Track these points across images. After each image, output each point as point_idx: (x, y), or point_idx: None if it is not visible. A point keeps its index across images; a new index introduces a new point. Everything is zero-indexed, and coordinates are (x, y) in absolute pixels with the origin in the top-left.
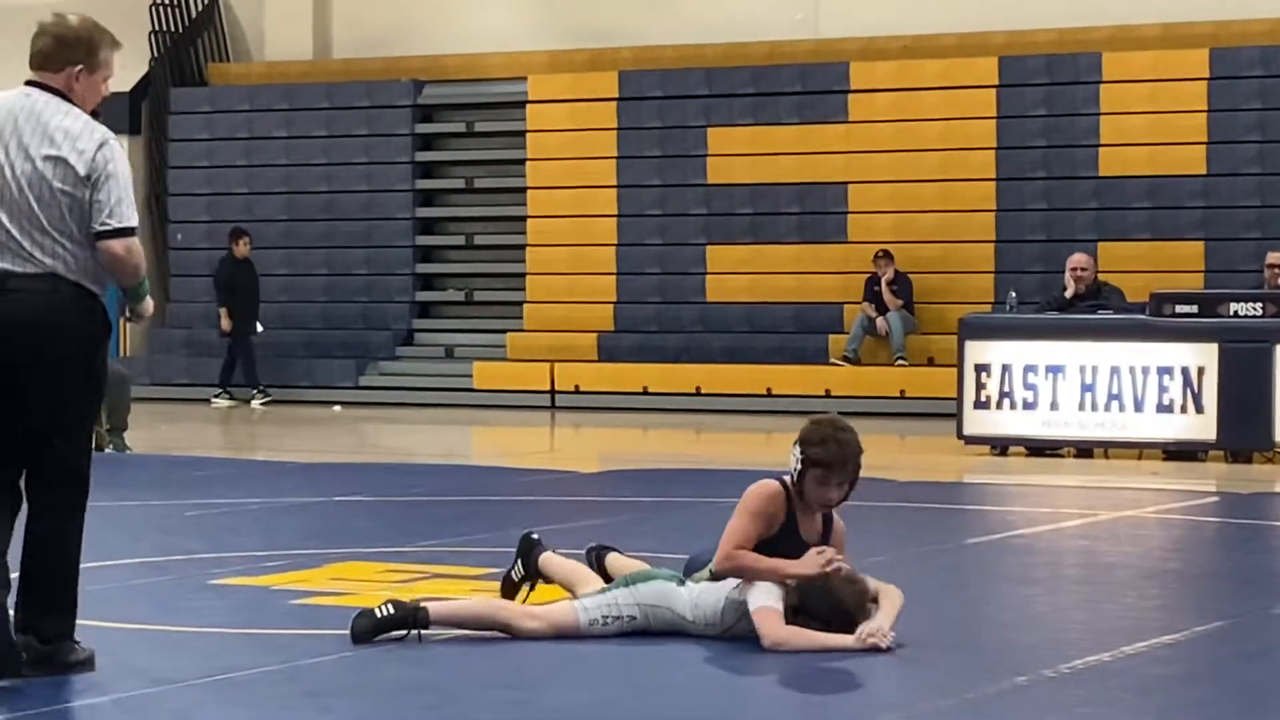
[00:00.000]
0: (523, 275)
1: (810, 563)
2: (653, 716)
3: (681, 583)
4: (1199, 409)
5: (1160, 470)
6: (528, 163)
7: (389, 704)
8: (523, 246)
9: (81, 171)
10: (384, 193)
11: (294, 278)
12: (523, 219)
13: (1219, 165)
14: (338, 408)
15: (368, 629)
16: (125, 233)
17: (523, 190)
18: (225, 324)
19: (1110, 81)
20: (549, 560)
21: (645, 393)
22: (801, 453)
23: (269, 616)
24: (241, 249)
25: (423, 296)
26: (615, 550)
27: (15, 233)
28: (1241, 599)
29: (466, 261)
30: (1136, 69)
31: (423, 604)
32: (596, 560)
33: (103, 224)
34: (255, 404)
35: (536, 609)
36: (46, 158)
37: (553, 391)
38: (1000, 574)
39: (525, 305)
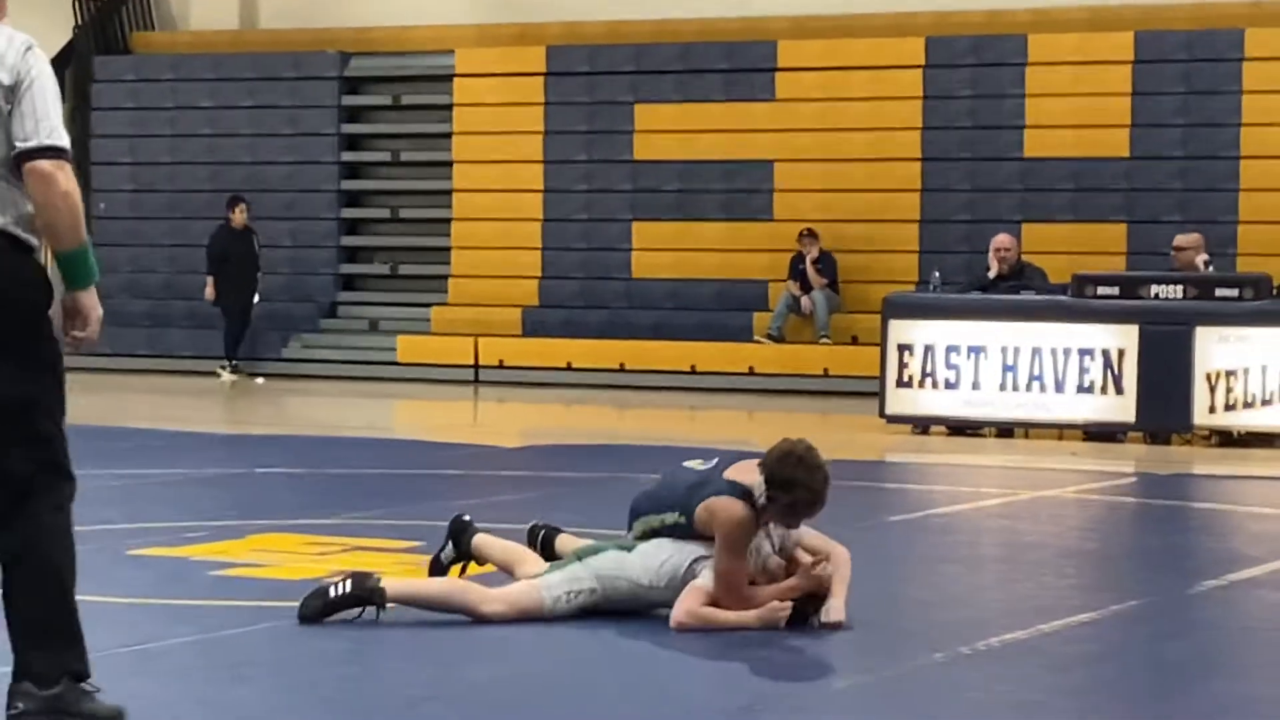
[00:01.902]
0: (448, 249)
1: (770, 616)
2: (570, 688)
3: (630, 550)
4: (1119, 390)
5: (1080, 451)
6: (454, 136)
7: (310, 677)
8: (448, 220)
9: (6, 81)
10: (309, 165)
11: None
12: (448, 193)
13: (1142, 148)
14: (260, 379)
15: (319, 610)
16: (57, 152)
17: (449, 164)
18: (210, 292)
19: (1035, 64)
20: (485, 541)
21: (569, 368)
22: (787, 493)
23: (189, 588)
24: (238, 217)
25: (347, 269)
26: (562, 531)
27: None
28: (1158, 579)
29: (391, 235)
30: (1062, 51)
31: (381, 583)
32: (543, 541)
33: (27, 140)
34: (224, 376)
35: (497, 592)
36: None
37: (476, 366)
38: (920, 552)
39: (450, 279)
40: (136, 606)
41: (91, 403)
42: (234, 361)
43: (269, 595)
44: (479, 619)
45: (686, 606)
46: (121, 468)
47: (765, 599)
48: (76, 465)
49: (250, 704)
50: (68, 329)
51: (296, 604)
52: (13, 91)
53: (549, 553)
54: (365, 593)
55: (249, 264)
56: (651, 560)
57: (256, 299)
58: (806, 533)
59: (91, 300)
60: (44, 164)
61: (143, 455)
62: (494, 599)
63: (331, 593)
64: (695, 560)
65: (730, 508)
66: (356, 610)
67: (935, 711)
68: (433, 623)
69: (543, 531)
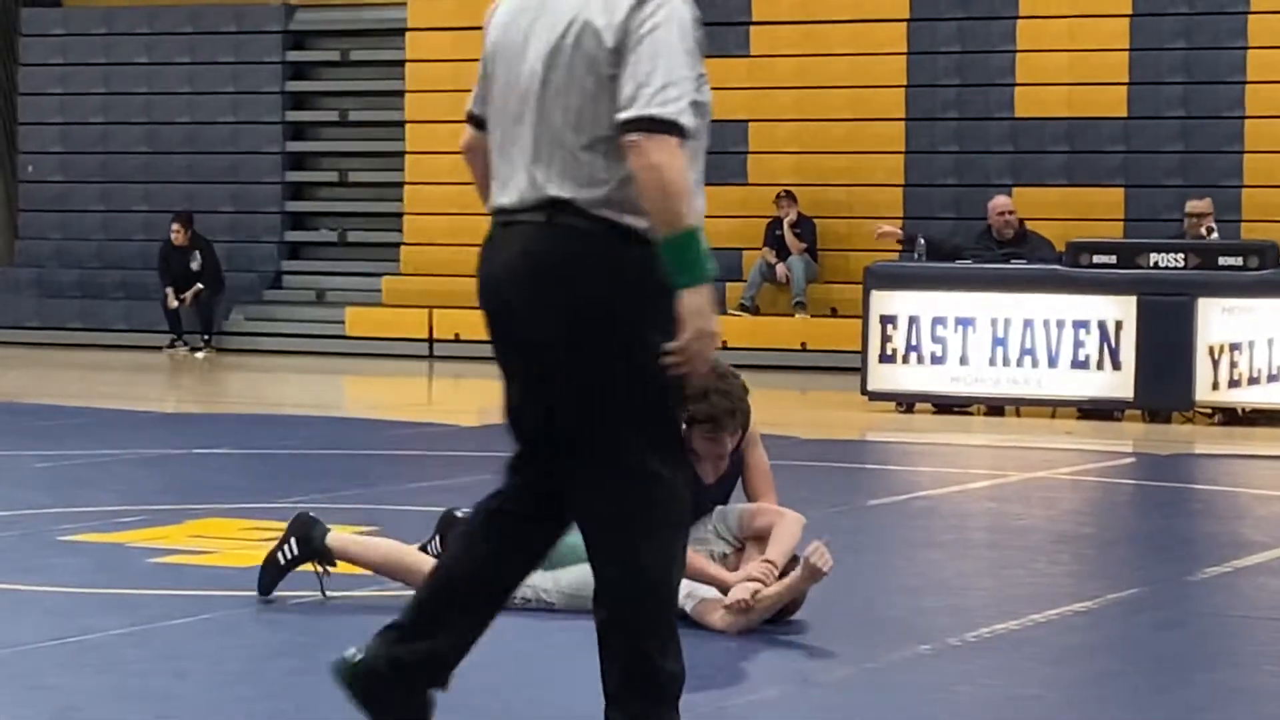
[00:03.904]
0: (400, 215)
1: (743, 589)
2: (531, 680)
3: None
4: (1116, 365)
5: (1075, 430)
6: (407, 95)
7: (251, 669)
8: (400, 184)
9: (610, 42)
10: (251, 125)
11: (153, 215)
12: (400, 155)
13: (1141, 108)
14: (200, 353)
15: (274, 581)
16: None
17: (401, 124)
18: (172, 302)
19: (1027, 17)
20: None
21: None
22: (702, 403)
23: (124, 575)
24: (177, 236)
25: (292, 236)
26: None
27: None
28: (1157, 565)
29: (340, 200)
30: (1055, 4)
31: (328, 538)
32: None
33: (626, 109)
34: (181, 351)
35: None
36: None
37: (431, 340)
38: (904, 538)
39: (402, 247)
40: (68, 595)
41: (19, 379)
42: (205, 336)
43: (209, 584)
44: (411, 574)
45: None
46: (50, 448)
47: (709, 575)
48: (1, 443)
49: (190, 698)
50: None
51: (238, 593)
52: (618, 54)
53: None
54: (312, 552)
55: (194, 279)
56: None
57: (199, 286)
58: (756, 510)
59: (691, 304)
60: (634, 136)
61: (73, 434)
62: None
63: (281, 559)
64: None
65: None
66: (308, 567)
67: (921, 707)
68: (381, 613)
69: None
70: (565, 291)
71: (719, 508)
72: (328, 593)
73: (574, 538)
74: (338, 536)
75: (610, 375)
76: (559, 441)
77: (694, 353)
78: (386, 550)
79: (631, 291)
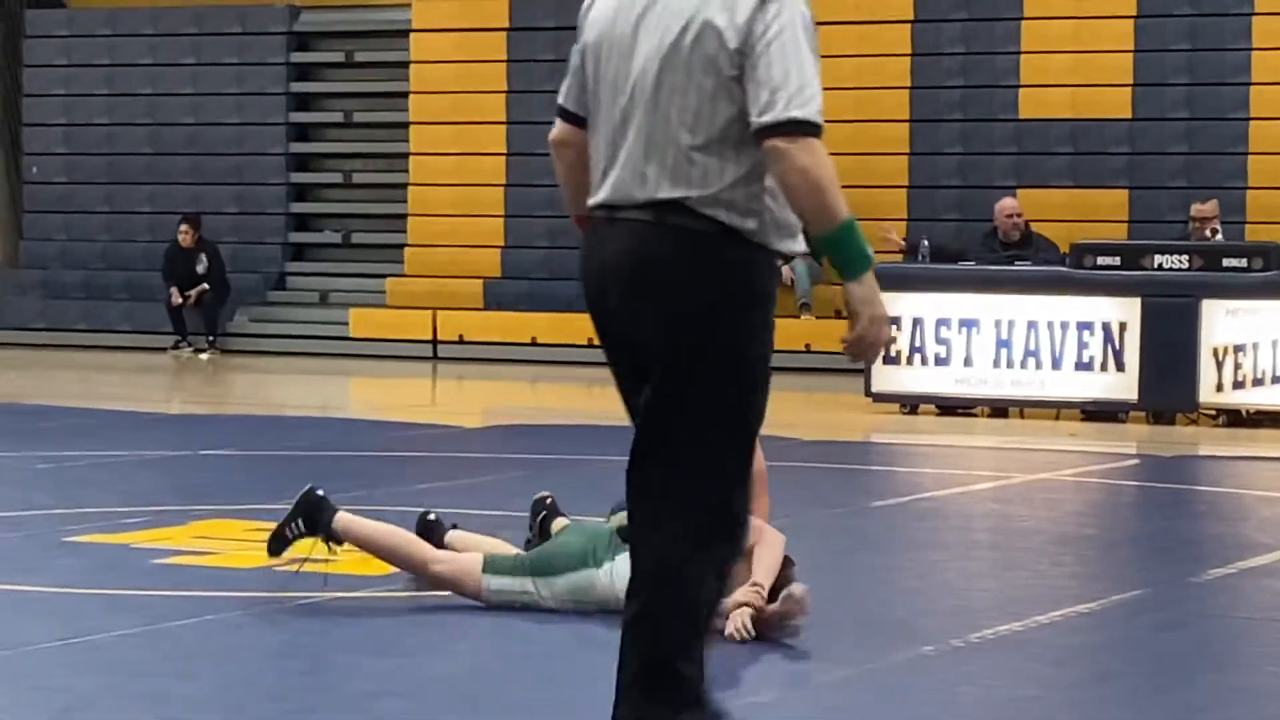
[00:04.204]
0: (404, 216)
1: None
2: (532, 681)
3: (598, 561)
4: (1120, 367)
5: (1078, 431)
6: (411, 96)
7: (256, 670)
8: (405, 186)
9: (733, 43)
10: (256, 126)
11: (158, 216)
12: (405, 156)
13: (1145, 109)
14: (204, 355)
15: (282, 549)
16: (796, 126)
17: (405, 125)
18: (176, 299)
19: (1031, 18)
20: (460, 539)
21: (534, 343)
22: None
23: (128, 576)
24: (184, 237)
25: (296, 238)
26: (563, 517)
27: None
28: (1160, 567)
29: (344, 201)
30: (1059, 5)
31: (335, 522)
32: (541, 524)
33: (763, 113)
34: (185, 352)
35: (447, 555)
36: None
37: (435, 341)
38: (908, 539)
39: (406, 249)
40: (73, 596)
41: (23, 380)
42: (210, 338)
43: (213, 585)
44: (422, 575)
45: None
46: (54, 449)
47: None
48: (4, 445)
49: (194, 700)
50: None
51: (243, 594)
52: (742, 56)
53: (547, 532)
54: (320, 532)
55: (199, 281)
56: (622, 580)
57: (204, 286)
58: None
59: (859, 294)
60: (776, 141)
61: (77, 435)
62: (443, 560)
63: (288, 534)
64: None
65: None
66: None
67: (924, 708)
68: (385, 614)
69: (545, 513)
70: (669, 292)
71: None
72: (331, 593)
73: (566, 546)
74: (345, 518)
75: (702, 380)
76: (642, 438)
77: (870, 341)
78: (391, 537)
79: (736, 295)
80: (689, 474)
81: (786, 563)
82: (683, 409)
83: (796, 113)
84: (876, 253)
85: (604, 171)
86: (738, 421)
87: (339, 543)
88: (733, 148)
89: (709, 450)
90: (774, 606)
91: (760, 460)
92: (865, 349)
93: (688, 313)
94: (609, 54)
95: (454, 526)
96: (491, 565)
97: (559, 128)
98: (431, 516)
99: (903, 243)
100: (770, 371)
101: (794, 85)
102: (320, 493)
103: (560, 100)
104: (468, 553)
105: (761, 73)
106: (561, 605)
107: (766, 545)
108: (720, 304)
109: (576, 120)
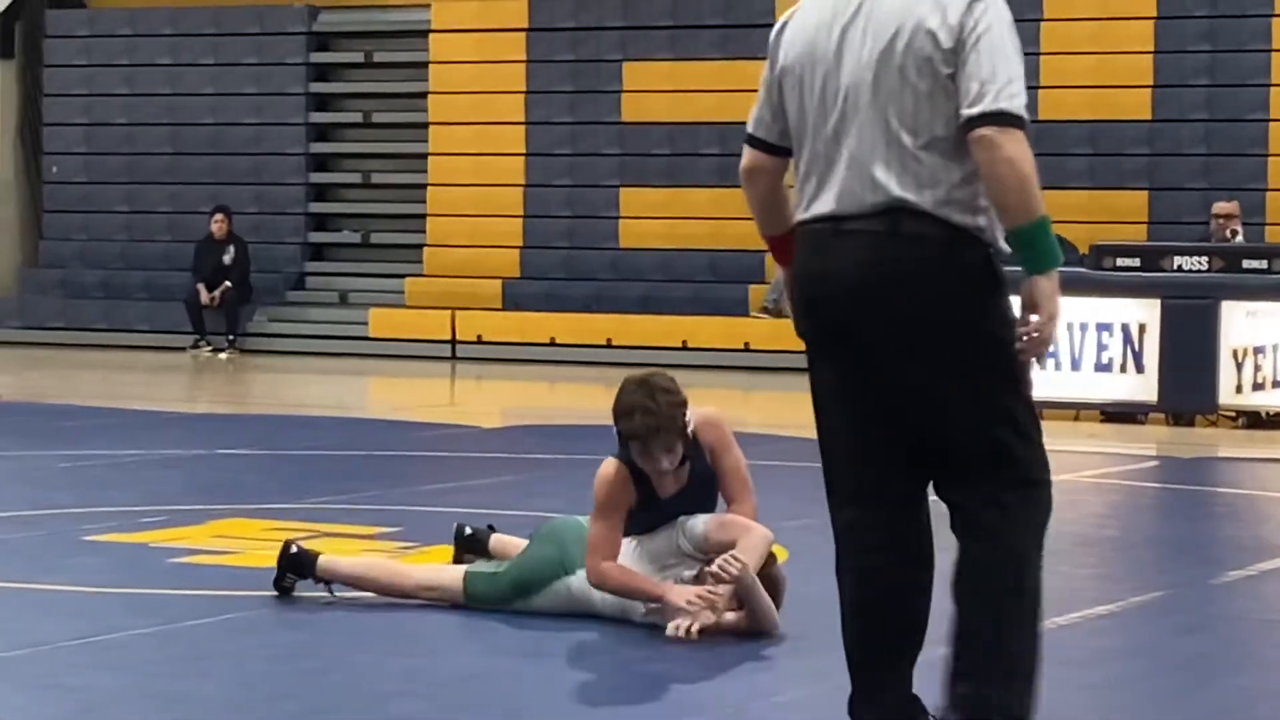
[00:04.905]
0: (423, 217)
1: (682, 594)
2: (544, 683)
3: (569, 569)
4: (1139, 368)
5: (1098, 433)
6: (430, 96)
7: (272, 670)
8: (423, 186)
9: (946, 43)
10: (275, 126)
11: (178, 215)
12: (424, 156)
13: (1165, 110)
14: (223, 354)
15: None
16: (1004, 118)
17: (424, 126)
18: (204, 296)
19: (1051, 19)
20: (501, 543)
21: (552, 344)
22: (628, 422)
23: (146, 575)
24: (217, 228)
25: (316, 238)
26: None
27: None
28: (1181, 568)
29: (363, 201)
30: (1080, 6)
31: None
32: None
33: (973, 105)
34: (204, 351)
35: (431, 578)
36: None
37: (453, 341)
38: None
39: (425, 249)
40: (90, 595)
41: (42, 379)
42: (231, 337)
43: (231, 584)
44: (400, 595)
45: (592, 563)
46: (73, 448)
47: (638, 586)
48: (24, 445)
49: (211, 699)
50: (1020, 324)
51: (260, 593)
52: (955, 54)
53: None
54: (310, 579)
55: (224, 274)
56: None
57: (227, 284)
58: (721, 522)
59: (1046, 289)
60: (986, 130)
61: (96, 435)
62: (428, 585)
63: (286, 584)
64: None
65: (602, 468)
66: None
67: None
68: (402, 614)
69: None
70: (919, 300)
71: (681, 519)
72: (348, 593)
73: (536, 558)
74: (325, 563)
75: (976, 375)
76: (936, 453)
77: (1046, 335)
78: (373, 570)
79: (983, 290)
80: (997, 469)
81: (770, 560)
82: (973, 411)
83: (1005, 104)
84: None
85: (819, 184)
86: (1021, 403)
87: (329, 584)
88: (955, 146)
89: (1007, 441)
90: (732, 618)
91: (738, 462)
92: (1040, 344)
93: (941, 318)
94: (814, 72)
95: (491, 529)
96: (470, 589)
97: (750, 156)
98: (469, 531)
99: None
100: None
101: (1002, 79)
102: (295, 549)
103: (751, 129)
104: (451, 573)
105: (971, 67)
106: (545, 610)
107: (751, 538)
108: (971, 301)
109: (769, 148)
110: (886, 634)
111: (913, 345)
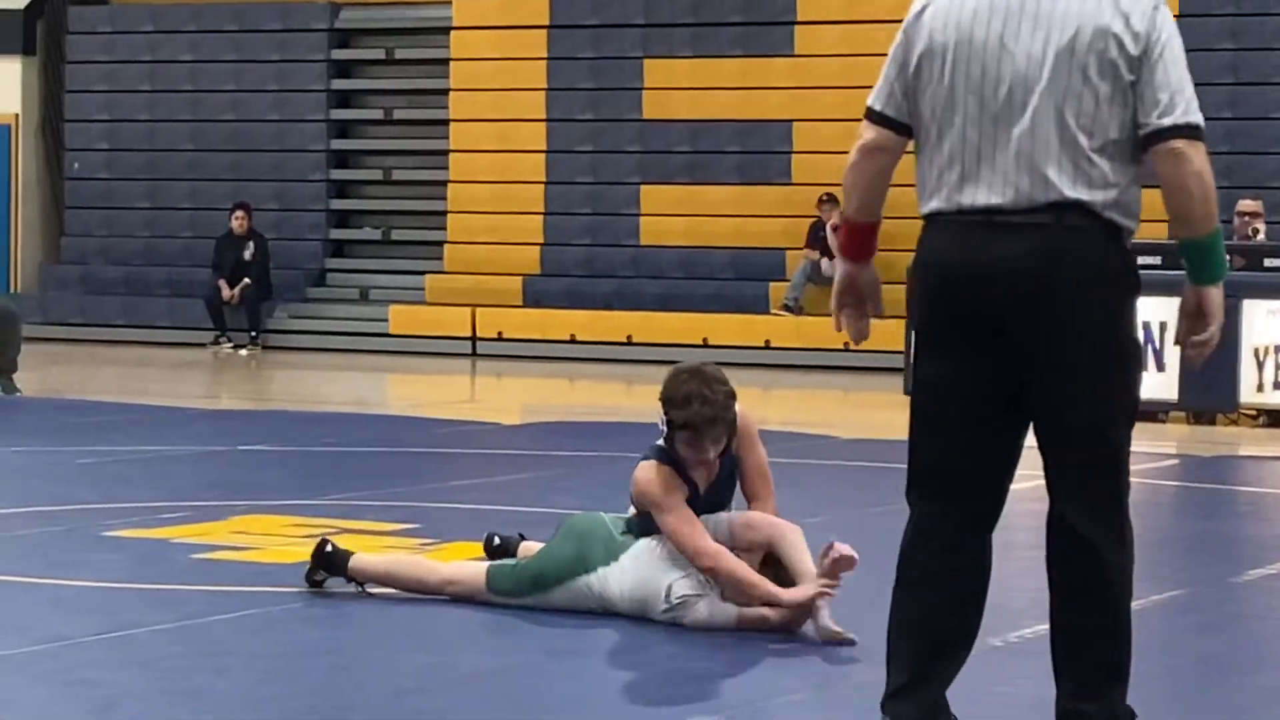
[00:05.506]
0: (444, 213)
1: (800, 594)
2: (565, 680)
3: (590, 566)
4: (1160, 367)
5: None
6: (451, 93)
7: (292, 667)
8: (444, 183)
9: (1134, 50)
10: (296, 123)
11: (199, 211)
12: (445, 153)
13: None
14: (244, 351)
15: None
16: (1192, 130)
17: (445, 123)
18: (226, 293)
19: None
20: (530, 550)
21: (573, 341)
22: (666, 415)
23: (167, 571)
24: (237, 224)
25: (337, 234)
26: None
27: None
28: (1200, 567)
29: (384, 198)
30: None
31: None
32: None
33: (1161, 117)
34: (225, 348)
35: (458, 573)
36: None
37: (474, 338)
38: None
39: (446, 245)
40: (111, 591)
41: (63, 375)
42: (253, 333)
43: (251, 580)
44: (426, 591)
45: (703, 546)
46: (94, 444)
47: (758, 586)
48: (45, 441)
49: (230, 695)
50: (1185, 331)
51: (280, 589)
52: (1140, 61)
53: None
54: (341, 577)
55: (244, 270)
56: (625, 584)
57: (246, 281)
58: (749, 520)
59: (1216, 299)
60: (1177, 143)
61: (117, 431)
62: (455, 580)
63: (318, 578)
64: (672, 584)
65: (641, 472)
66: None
67: (961, 707)
68: (421, 611)
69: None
70: (1080, 294)
71: (703, 517)
72: (368, 589)
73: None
74: (357, 562)
75: (1113, 376)
76: (1053, 452)
77: (1214, 342)
78: (403, 568)
79: (1130, 291)
80: (1111, 470)
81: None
82: (1100, 407)
83: (1194, 118)
84: (913, 250)
85: (964, 174)
86: (1135, 408)
87: (361, 584)
88: (1126, 150)
89: (1124, 441)
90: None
91: (762, 459)
92: (1209, 350)
93: (1099, 316)
94: (970, 57)
95: (521, 537)
96: (492, 582)
97: (876, 133)
98: (498, 541)
99: None
100: None
101: (1189, 91)
102: (329, 548)
103: (879, 107)
104: (474, 568)
105: (1160, 76)
106: (565, 605)
107: (791, 541)
108: (1120, 300)
109: (898, 127)
110: (943, 638)
111: (1060, 342)
